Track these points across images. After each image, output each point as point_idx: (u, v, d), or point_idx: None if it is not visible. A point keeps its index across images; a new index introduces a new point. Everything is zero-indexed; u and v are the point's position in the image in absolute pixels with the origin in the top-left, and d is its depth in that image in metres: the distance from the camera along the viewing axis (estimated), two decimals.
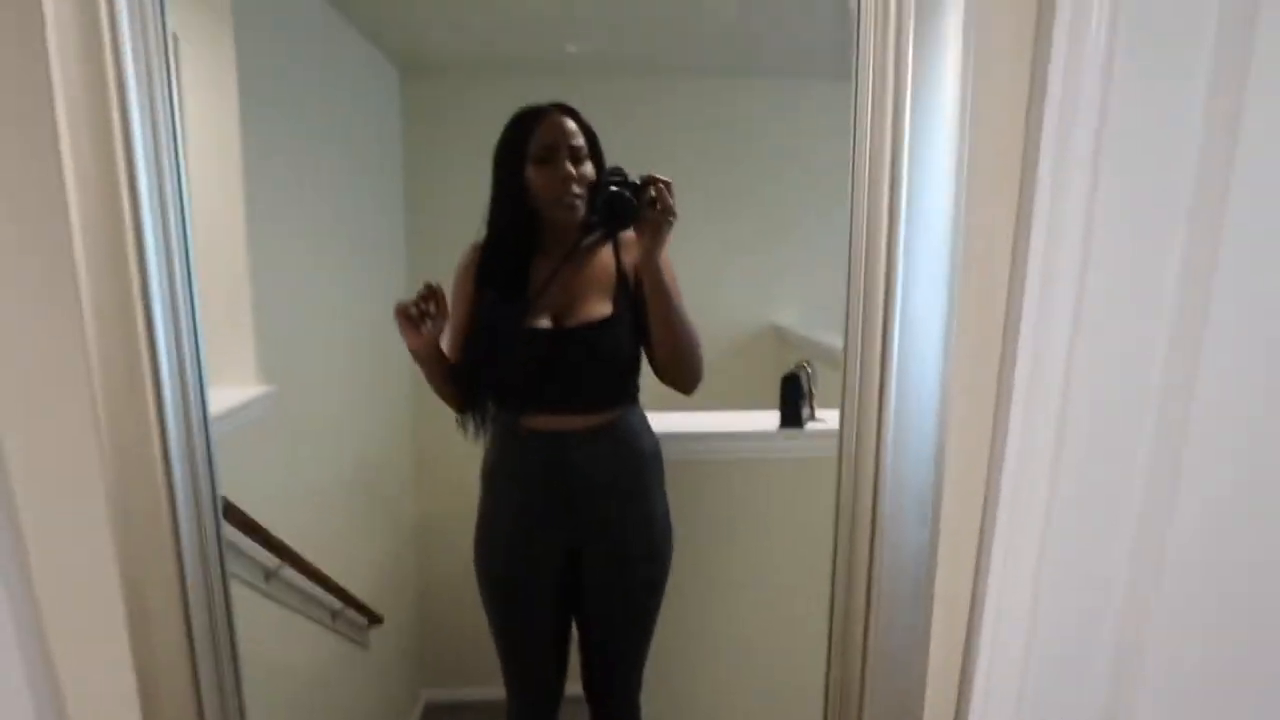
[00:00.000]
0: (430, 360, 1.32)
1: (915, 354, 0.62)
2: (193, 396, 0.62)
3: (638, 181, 1.20)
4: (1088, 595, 0.61)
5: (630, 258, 1.32)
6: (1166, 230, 0.57)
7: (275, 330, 1.82)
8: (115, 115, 0.56)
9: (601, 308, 1.30)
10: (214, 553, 0.65)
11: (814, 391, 1.61)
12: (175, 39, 1.61)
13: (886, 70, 0.62)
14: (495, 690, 1.51)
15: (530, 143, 1.26)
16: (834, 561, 0.66)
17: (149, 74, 0.58)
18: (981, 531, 0.64)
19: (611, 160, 1.29)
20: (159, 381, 0.60)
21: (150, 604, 0.64)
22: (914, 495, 0.62)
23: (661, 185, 1.19)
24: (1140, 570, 0.61)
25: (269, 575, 1.74)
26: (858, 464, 0.64)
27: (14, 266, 0.61)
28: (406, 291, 2.97)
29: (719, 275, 3.07)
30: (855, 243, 0.64)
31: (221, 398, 1.63)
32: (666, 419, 1.57)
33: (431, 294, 1.27)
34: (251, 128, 1.69)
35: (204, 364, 0.63)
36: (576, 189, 1.26)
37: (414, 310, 1.26)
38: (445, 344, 1.35)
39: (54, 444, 0.63)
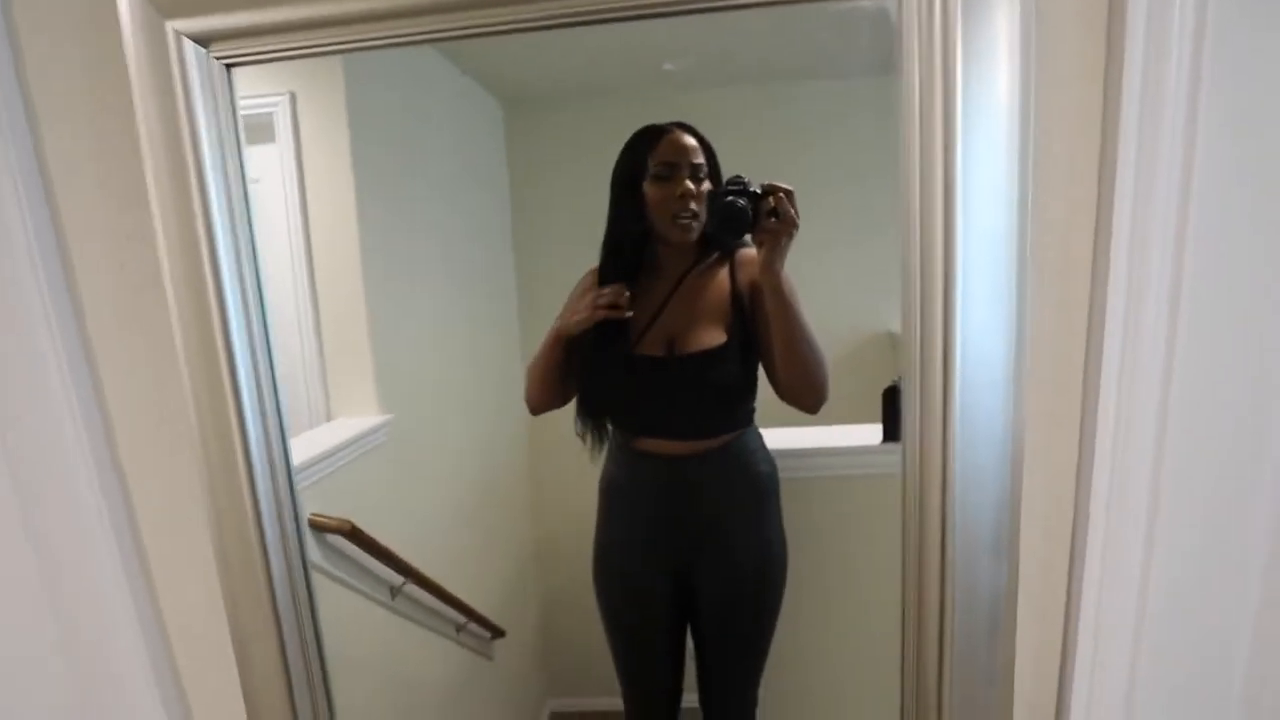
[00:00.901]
0: (560, 347, 1.30)
1: (979, 379, 0.56)
2: (274, 442, 0.67)
3: (758, 190, 1.16)
4: (1200, 646, 0.53)
5: (747, 278, 1.30)
6: (1274, 229, 0.49)
7: (393, 361, 1.94)
8: (195, 191, 0.62)
9: (715, 335, 1.28)
10: (300, 576, 0.70)
11: None
12: (294, 96, 1.77)
13: (934, 63, 0.57)
14: (616, 700, 1.53)
15: (650, 160, 1.25)
16: (903, 601, 0.62)
17: (221, 143, 0.64)
18: (1070, 572, 0.58)
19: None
20: (245, 429, 0.66)
21: (247, 627, 0.70)
22: (987, 532, 0.57)
23: (782, 194, 1.15)
24: (1264, 624, 0.53)
25: (395, 592, 1.85)
26: (923, 499, 0.59)
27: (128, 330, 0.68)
28: (518, 319, 3.09)
29: (832, 283, 2.97)
30: (909, 259, 0.59)
31: (344, 428, 1.76)
32: (770, 435, 1.53)
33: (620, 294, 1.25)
34: (364, 173, 1.83)
35: (284, 409, 0.68)
36: (694, 206, 1.24)
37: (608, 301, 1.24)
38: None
39: (167, 492, 0.71)
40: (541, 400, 1.36)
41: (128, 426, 0.70)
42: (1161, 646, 0.54)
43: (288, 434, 0.68)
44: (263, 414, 0.66)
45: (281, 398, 0.68)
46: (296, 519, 0.70)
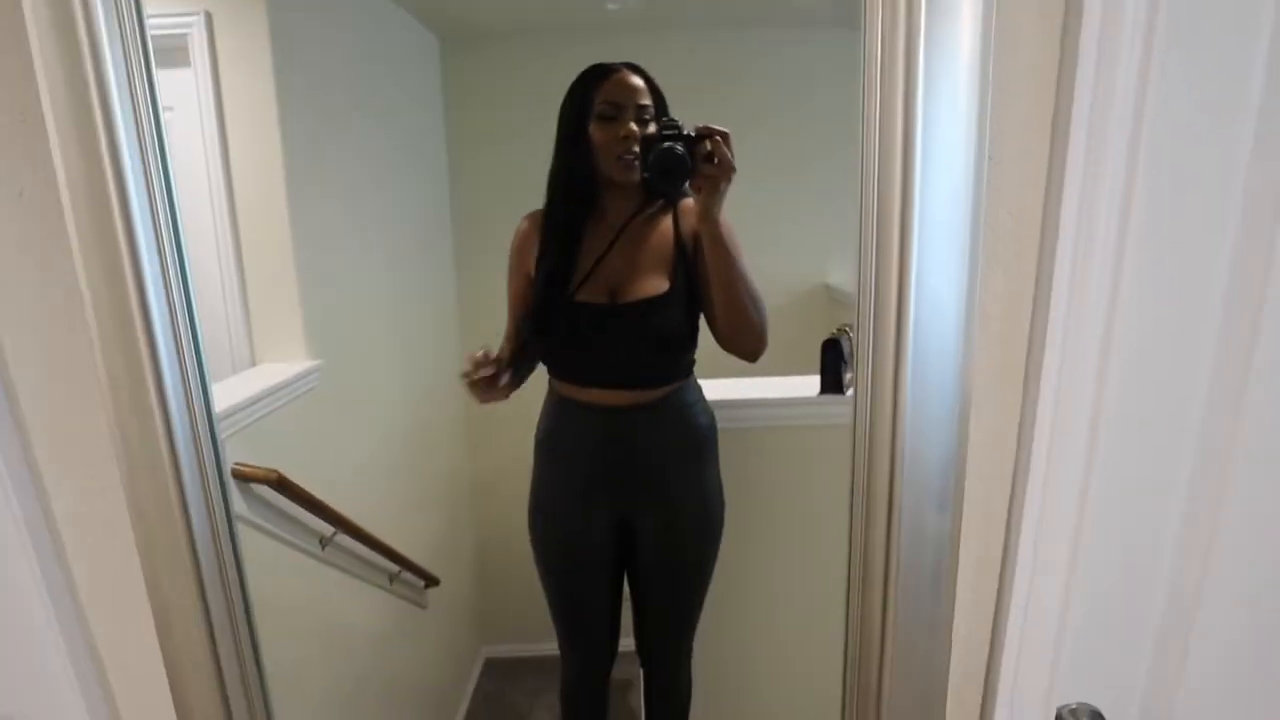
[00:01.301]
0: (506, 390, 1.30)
1: (934, 328, 0.57)
2: (194, 387, 0.63)
3: (692, 134, 1.12)
4: (1129, 587, 0.56)
5: (690, 226, 1.28)
6: (1217, 190, 0.51)
7: (321, 305, 1.86)
8: (98, 113, 0.55)
9: (658, 283, 1.27)
10: (224, 529, 0.66)
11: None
12: (209, 16, 1.63)
13: (898, 15, 0.56)
14: (552, 646, 1.55)
15: (595, 99, 1.22)
16: (849, 551, 0.63)
17: (128, 69, 0.57)
18: (1009, 516, 0.60)
19: None
20: (159, 371, 0.61)
21: (166, 584, 0.66)
22: (934, 479, 0.58)
23: (718, 137, 1.11)
24: (1187, 559, 0.56)
25: (324, 543, 1.80)
26: (872, 444, 0.60)
27: (19, 275, 0.62)
28: (453, 259, 3.00)
29: (770, 233, 2.98)
30: (865, 204, 0.58)
31: (270, 373, 1.67)
32: (706, 387, 1.54)
33: (485, 359, 1.23)
34: (289, 102, 1.70)
35: (202, 350, 0.63)
36: (637, 148, 1.20)
37: (476, 375, 1.23)
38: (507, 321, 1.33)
39: (75, 442, 0.65)
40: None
41: (29, 375, 0.64)
42: (1090, 601, 0.58)
43: (208, 379, 0.63)
44: (180, 357, 0.61)
45: (200, 340, 0.63)
46: (220, 468, 0.66)
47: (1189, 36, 0.51)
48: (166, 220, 0.60)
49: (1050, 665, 0.60)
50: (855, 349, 0.61)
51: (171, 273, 0.61)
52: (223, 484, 0.66)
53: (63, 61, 0.55)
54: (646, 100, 1.22)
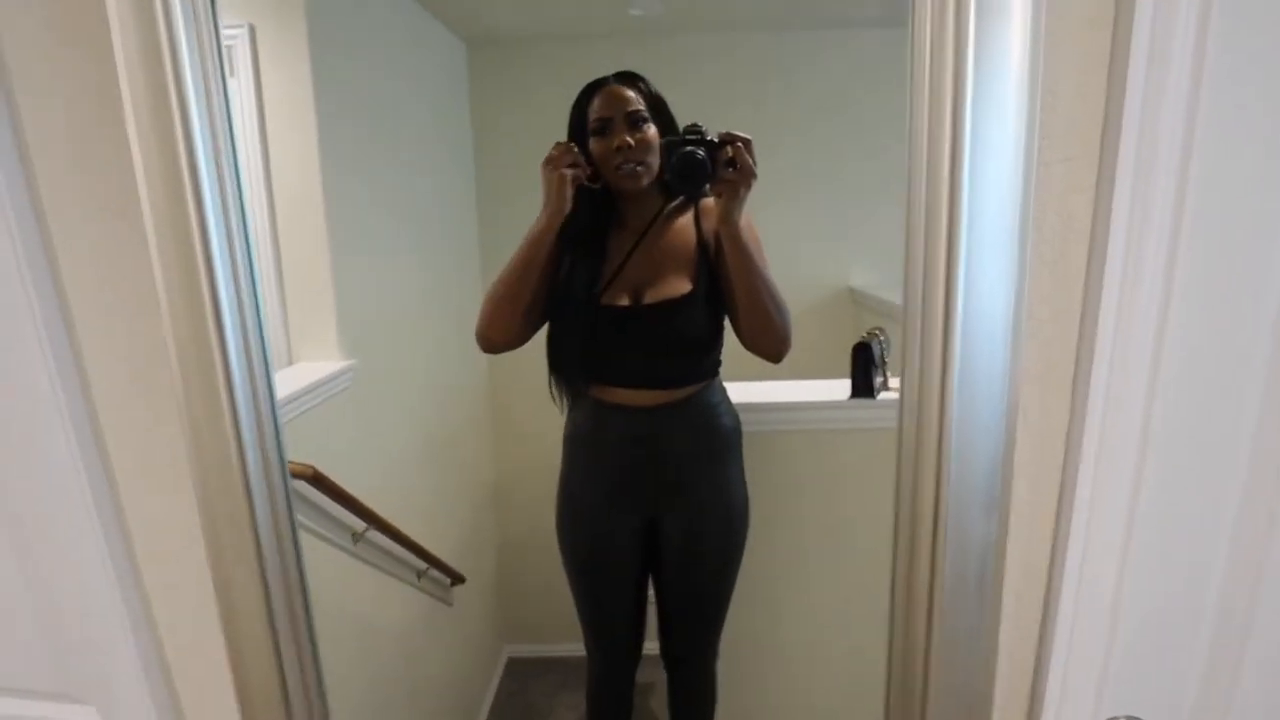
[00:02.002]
0: (545, 247, 1.22)
1: (982, 331, 0.58)
2: (259, 379, 0.65)
3: (714, 139, 1.14)
4: (1179, 599, 0.56)
5: (710, 225, 1.29)
6: (1274, 192, 0.51)
7: (354, 306, 1.89)
8: (177, 119, 0.58)
9: (680, 284, 1.28)
10: (285, 518, 0.69)
11: (888, 360, 1.55)
12: (253, 29, 1.67)
13: (946, 15, 0.57)
14: (574, 647, 1.56)
15: (589, 116, 1.25)
16: (894, 550, 0.64)
17: (205, 77, 0.60)
18: (1057, 519, 0.60)
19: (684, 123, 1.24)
20: (229, 369, 0.63)
21: (231, 572, 0.68)
22: (980, 483, 0.59)
23: (740, 143, 1.13)
24: (1240, 572, 0.56)
25: (356, 538, 1.83)
26: (919, 449, 0.61)
27: (102, 272, 0.65)
28: (480, 264, 3.03)
29: (793, 237, 2.98)
30: (913, 207, 0.59)
31: (305, 373, 1.71)
32: (734, 390, 1.55)
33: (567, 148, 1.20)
34: (325, 108, 1.74)
35: (269, 349, 0.66)
36: (634, 157, 1.23)
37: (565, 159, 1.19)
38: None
39: (146, 430, 0.68)
40: (500, 331, 1.27)
41: (104, 372, 0.67)
42: (1140, 611, 0.58)
43: (272, 374, 0.66)
44: (246, 353, 0.64)
45: (266, 339, 0.65)
46: (281, 460, 0.68)
47: (1244, 35, 0.51)
48: (238, 223, 0.62)
49: (1098, 677, 0.60)
50: (903, 351, 0.62)
51: (240, 272, 0.63)
52: (284, 476, 0.68)
53: (145, 69, 0.58)
54: (638, 106, 1.24)
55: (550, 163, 1.19)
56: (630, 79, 1.26)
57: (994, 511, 0.59)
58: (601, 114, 1.24)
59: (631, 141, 1.22)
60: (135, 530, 0.70)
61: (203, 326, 0.62)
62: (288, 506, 0.69)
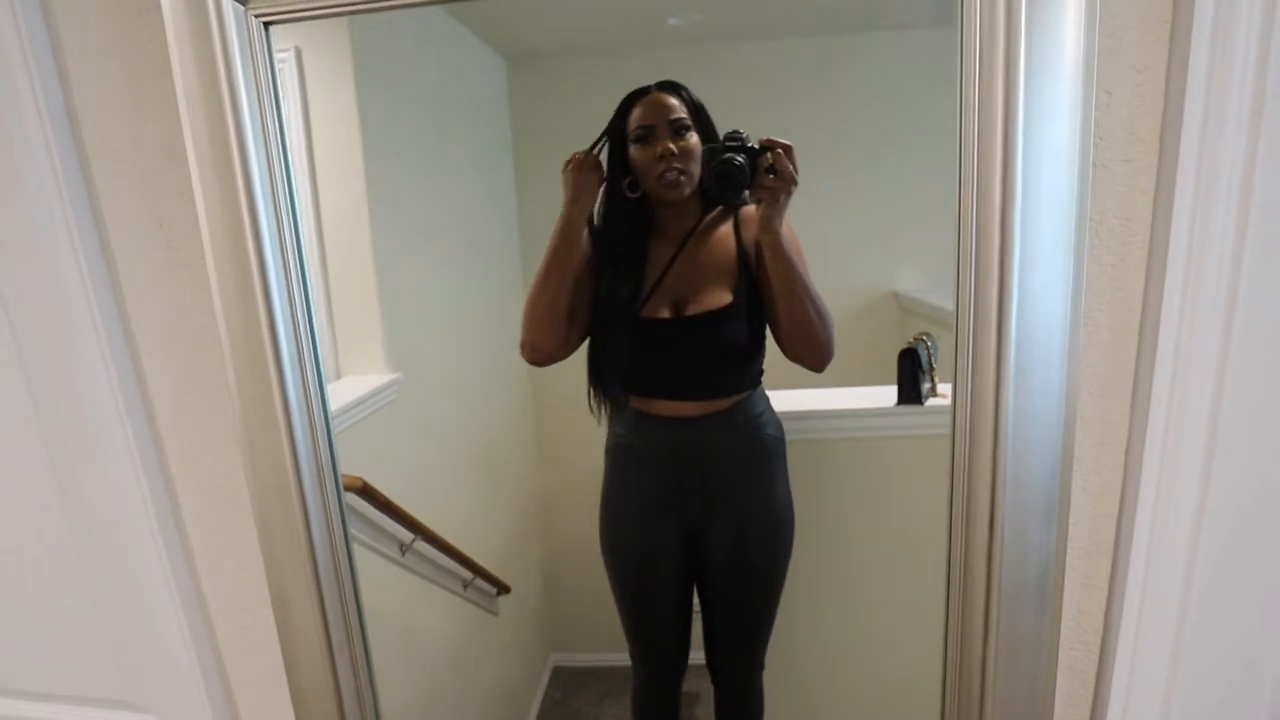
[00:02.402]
0: (570, 239, 1.26)
1: (1037, 337, 0.56)
2: (314, 393, 0.67)
3: (755, 146, 1.13)
4: (1246, 616, 0.54)
5: (751, 235, 1.27)
6: None
7: (400, 321, 1.93)
8: (235, 153, 0.60)
9: (721, 295, 1.27)
10: (339, 530, 0.70)
11: (935, 365, 1.52)
12: (299, 52, 1.72)
13: (996, 13, 0.55)
14: (619, 656, 1.56)
15: (630, 125, 1.24)
16: (948, 562, 0.62)
17: (259, 99, 0.62)
18: (1118, 531, 0.58)
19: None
20: (284, 386, 0.65)
21: (287, 584, 0.70)
22: (1038, 492, 0.57)
23: (780, 150, 1.12)
24: None
25: (404, 549, 1.86)
26: (972, 456, 0.59)
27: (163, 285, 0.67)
28: (522, 277, 3.07)
29: (835, 241, 2.94)
30: (964, 210, 0.58)
31: (353, 386, 1.75)
32: (778, 398, 1.53)
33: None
34: (370, 127, 1.79)
35: (322, 362, 0.67)
36: (677, 164, 1.22)
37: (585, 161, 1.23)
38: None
39: (205, 447, 0.70)
40: (543, 342, 1.28)
41: (165, 387, 0.69)
42: (1206, 628, 0.55)
43: (326, 387, 0.67)
44: (302, 368, 0.66)
45: (320, 355, 0.67)
46: (336, 474, 0.70)
47: None
48: (292, 245, 0.64)
49: (1164, 695, 0.58)
50: (955, 356, 0.60)
51: (295, 289, 0.65)
52: (338, 489, 0.70)
53: (205, 106, 0.60)
54: (680, 114, 1.23)
55: (569, 164, 1.22)
56: (672, 87, 1.26)
57: (1053, 522, 0.57)
58: (645, 121, 1.23)
59: (675, 148, 1.22)
60: (195, 544, 0.72)
61: (260, 345, 0.63)
62: (342, 521, 0.70)
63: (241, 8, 0.60)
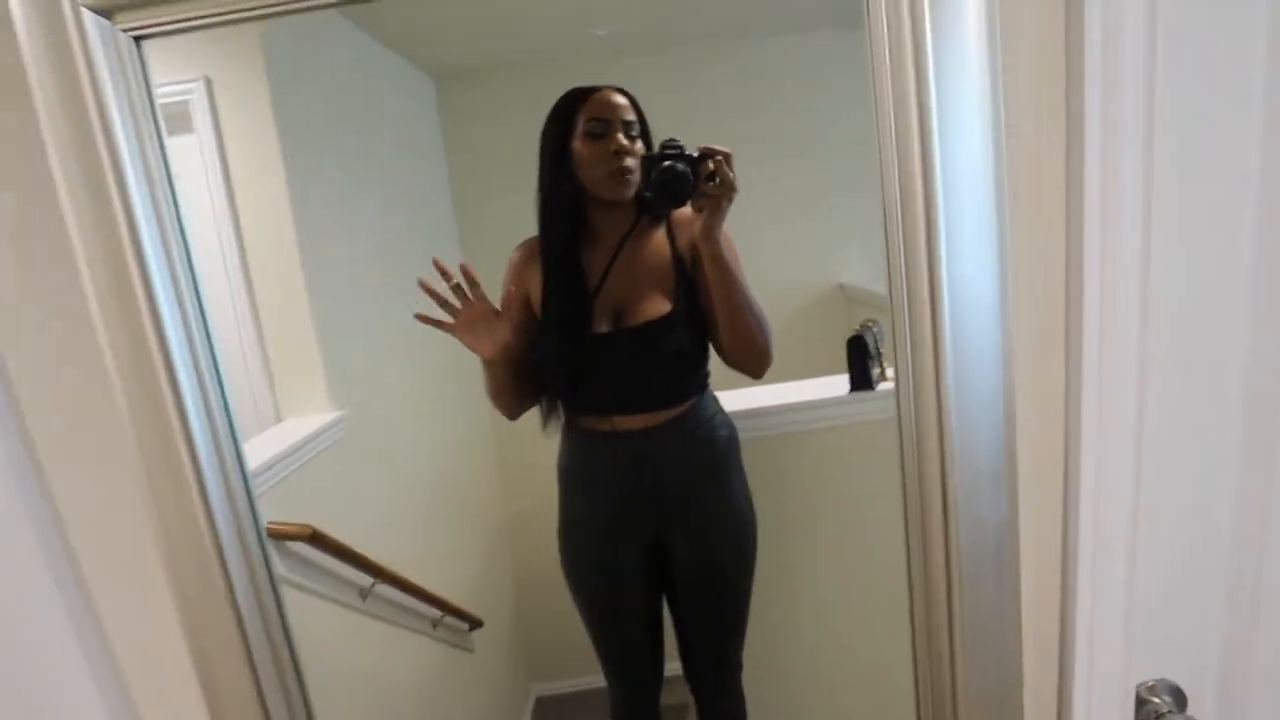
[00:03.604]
0: (503, 363, 1.24)
1: (969, 305, 0.55)
2: (225, 446, 0.62)
3: (694, 154, 1.11)
4: (1194, 553, 0.54)
5: (686, 238, 1.26)
6: (1238, 141, 0.49)
7: (342, 356, 1.86)
8: (111, 181, 0.55)
9: (659, 304, 1.24)
10: (267, 593, 0.65)
11: (882, 350, 1.52)
12: (209, 81, 1.66)
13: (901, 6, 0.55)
14: (602, 678, 1.52)
15: (579, 118, 1.21)
16: (906, 538, 0.61)
17: (137, 127, 0.58)
18: (1065, 489, 0.58)
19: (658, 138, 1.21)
20: (190, 435, 0.60)
21: (213, 656, 0.65)
22: (985, 459, 0.56)
23: (720, 157, 1.11)
24: (1249, 517, 0.54)
25: (364, 594, 1.79)
26: (919, 433, 0.58)
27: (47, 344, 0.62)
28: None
29: (776, 239, 2.98)
30: (889, 199, 0.57)
31: (295, 428, 1.68)
32: (733, 398, 1.52)
33: (466, 279, 1.22)
34: (294, 158, 1.72)
35: (231, 410, 0.63)
36: (630, 162, 1.19)
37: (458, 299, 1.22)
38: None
39: (110, 519, 0.65)
40: (507, 413, 1.34)
41: (60, 451, 0.63)
42: (1157, 573, 0.55)
43: (239, 436, 0.62)
44: (209, 417, 0.61)
45: (229, 398, 0.62)
46: (257, 527, 0.65)
47: None
48: (188, 287, 0.60)
49: (1124, 643, 0.58)
50: (892, 336, 0.59)
51: (196, 335, 0.60)
52: (262, 543, 0.65)
53: (74, 137, 0.56)
54: (631, 117, 1.22)
55: (460, 327, 1.22)
56: (617, 88, 1.24)
57: (1001, 487, 0.56)
58: (599, 115, 1.20)
59: (629, 147, 1.20)
60: (107, 618, 0.66)
61: (160, 401, 0.59)
62: (270, 581, 0.65)
63: (107, 22, 0.55)
